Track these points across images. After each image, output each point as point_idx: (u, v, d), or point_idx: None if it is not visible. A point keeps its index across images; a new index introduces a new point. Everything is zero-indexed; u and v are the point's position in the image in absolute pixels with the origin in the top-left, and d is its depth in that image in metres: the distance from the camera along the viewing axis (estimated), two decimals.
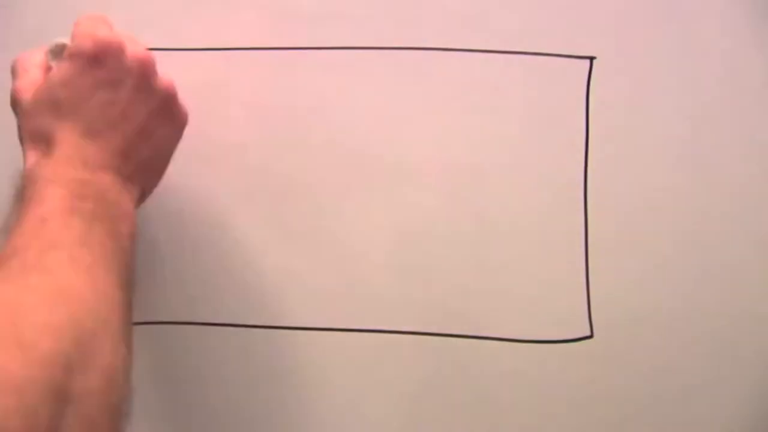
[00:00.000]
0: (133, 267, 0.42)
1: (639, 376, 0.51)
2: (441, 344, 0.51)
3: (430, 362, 0.52)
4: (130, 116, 0.43)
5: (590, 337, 0.51)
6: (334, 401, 0.53)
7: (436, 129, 0.51)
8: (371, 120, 0.51)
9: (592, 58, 0.49)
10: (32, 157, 0.42)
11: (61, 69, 0.43)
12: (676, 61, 0.49)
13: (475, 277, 0.51)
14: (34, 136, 0.43)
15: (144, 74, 0.44)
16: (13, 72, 0.45)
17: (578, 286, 0.51)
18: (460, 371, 0.52)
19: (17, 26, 0.53)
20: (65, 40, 0.45)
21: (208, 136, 0.52)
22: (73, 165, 0.41)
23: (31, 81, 0.44)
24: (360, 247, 0.52)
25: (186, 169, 0.52)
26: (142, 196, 0.46)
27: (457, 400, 0.52)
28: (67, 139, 0.42)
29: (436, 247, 0.51)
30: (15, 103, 0.44)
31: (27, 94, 0.43)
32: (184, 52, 0.52)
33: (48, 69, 0.45)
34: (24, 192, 0.41)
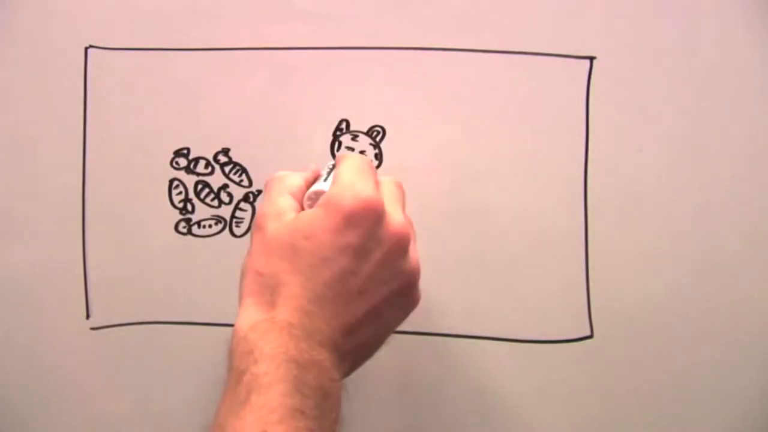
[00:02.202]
0: None
1: (639, 376, 0.51)
2: (441, 344, 0.51)
3: (430, 362, 0.52)
4: (367, 293, 0.39)
5: (590, 337, 0.51)
6: None
7: (435, 129, 0.51)
8: (371, 120, 0.51)
9: (592, 58, 0.49)
10: (251, 309, 0.38)
11: (311, 216, 0.39)
12: (675, 61, 0.49)
13: (475, 277, 0.51)
14: (260, 279, 0.39)
15: (396, 251, 0.40)
16: (265, 188, 0.43)
17: (578, 286, 0.51)
18: (460, 371, 0.52)
19: (17, 26, 0.53)
20: (325, 186, 0.41)
21: (208, 136, 0.53)
22: (295, 338, 0.36)
23: (276, 210, 0.41)
24: None
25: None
26: (348, 373, 0.41)
27: (457, 399, 0.52)
28: (294, 300, 0.38)
29: (436, 246, 0.51)
30: (255, 226, 0.41)
31: (269, 224, 0.40)
32: (185, 52, 0.52)
33: (301, 203, 0.42)
34: (237, 362, 0.36)
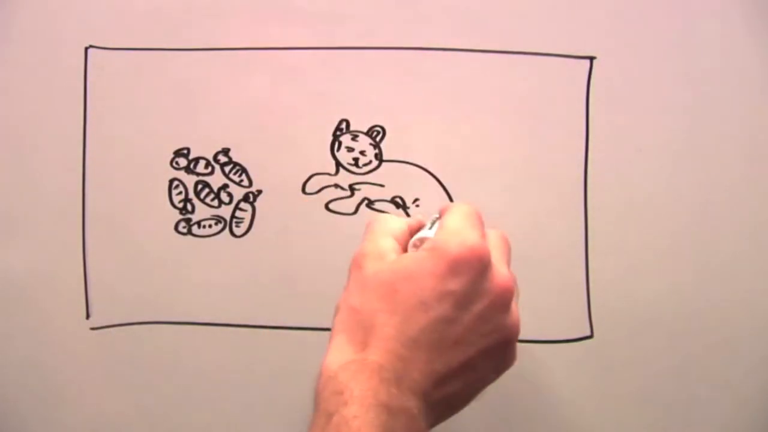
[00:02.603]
0: None
1: (639, 375, 0.51)
2: None
3: None
4: (463, 344, 0.38)
5: (590, 337, 0.51)
6: None
7: (436, 129, 0.51)
8: (371, 120, 0.51)
9: (592, 58, 0.49)
10: (343, 348, 0.38)
11: (414, 259, 0.38)
12: (675, 60, 0.49)
13: None
14: (354, 319, 0.38)
15: (500, 305, 0.39)
16: (366, 228, 0.42)
17: (578, 286, 0.51)
18: None
19: (17, 26, 0.53)
20: (431, 234, 0.41)
21: (208, 136, 0.53)
22: (386, 382, 0.35)
23: (378, 252, 0.40)
24: None
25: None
26: (433, 425, 0.39)
27: None
28: (388, 342, 0.36)
29: None
30: (354, 263, 0.40)
31: (369, 263, 0.39)
32: (184, 52, 0.52)
33: (403, 247, 0.41)
34: (325, 403, 0.35)
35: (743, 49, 0.48)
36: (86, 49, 0.53)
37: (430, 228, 0.42)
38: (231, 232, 0.53)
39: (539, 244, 0.51)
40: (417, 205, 0.51)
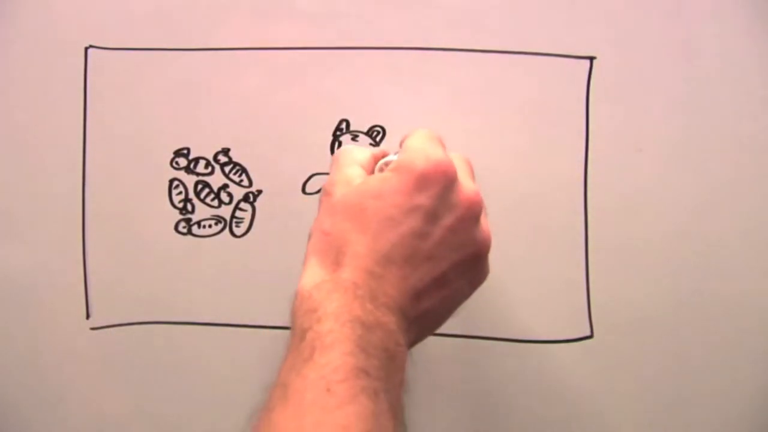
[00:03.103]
0: (402, 417, 0.36)
1: (639, 376, 0.51)
2: (441, 344, 0.51)
3: (431, 362, 0.52)
4: (435, 258, 0.38)
5: (590, 337, 0.51)
6: None
7: (435, 129, 0.51)
8: (371, 120, 0.51)
9: (592, 58, 0.49)
10: (315, 269, 0.38)
11: (381, 178, 0.39)
12: (675, 60, 0.49)
13: None
14: (325, 241, 0.38)
15: (468, 217, 0.39)
16: (333, 161, 0.42)
17: (578, 286, 0.51)
18: (460, 371, 0.52)
19: (17, 26, 0.53)
20: (395, 157, 0.41)
21: (208, 136, 0.53)
22: (360, 298, 0.35)
23: (345, 178, 0.40)
24: None
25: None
26: (415, 342, 0.40)
27: (457, 399, 0.52)
28: (360, 260, 0.37)
29: None
30: (323, 193, 0.41)
31: (337, 189, 0.39)
32: (184, 52, 0.52)
33: (370, 174, 0.42)
34: (299, 320, 0.36)
35: (743, 49, 0.48)
36: (86, 49, 0.53)
37: (395, 155, 0.42)
38: (231, 232, 0.53)
39: (539, 244, 0.51)
40: None
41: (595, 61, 0.49)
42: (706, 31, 0.48)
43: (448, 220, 0.38)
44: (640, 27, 0.49)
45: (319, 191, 0.52)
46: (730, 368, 0.50)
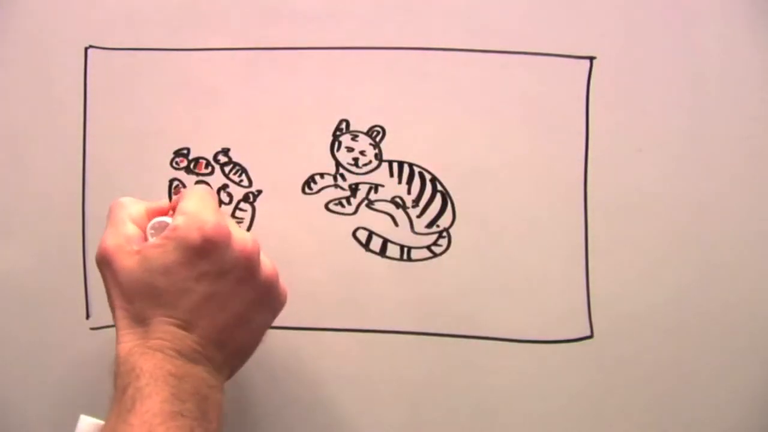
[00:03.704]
0: None
1: (639, 376, 0.51)
2: (441, 344, 0.51)
3: (430, 362, 0.52)
4: (229, 307, 0.43)
5: (590, 337, 0.51)
6: (334, 401, 0.52)
7: (435, 129, 0.51)
8: (371, 120, 0.51)
9: (592, 58, 0.49)
10: (127, 339, 0.42)
11: (161, 251, 0.42)
12: (675, 60, 0.49)
13: (475, 277, 0.51)
14: (128, 316, 0.42)
15: (248, 267, 0.43)
16: (108, 216, 0.45)
17: (578, 286, 0.51)
18: (460, 371, 0.52)
19: (17, 26, 0.53)
20: (168, 219, 0.44)
21: (208, 136, 0.53)
22: (169, 357, 0.41)
23: (123, 239, 0.43)
24: (360, 247, 0.52)
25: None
26: (231, 375, 0.46)
27: (457, 399, 0.52)
28: (164, 328, 0.41)
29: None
30: (103, 260, 0.44)
31: (116, 260, 0.43)
32: (185, 52, 0.52)
33: (144, 232, 0.44)
34: (120, 379, 0.40)
35: (743, 49, 0.48)
36: (86, 49, 0.53)
37: (168, 217, 0.45)
38: None
39: (539, 244, 0.51)
40: (417, 205, 0.51)
41: (595, 61, 0.49)
42: (707, 31, 0.48)
43: (233, 274, 0.43)
44: (640, 27, 0.49)
45: (319, 191, 0.52)
46: (730, 368, 0.50)
